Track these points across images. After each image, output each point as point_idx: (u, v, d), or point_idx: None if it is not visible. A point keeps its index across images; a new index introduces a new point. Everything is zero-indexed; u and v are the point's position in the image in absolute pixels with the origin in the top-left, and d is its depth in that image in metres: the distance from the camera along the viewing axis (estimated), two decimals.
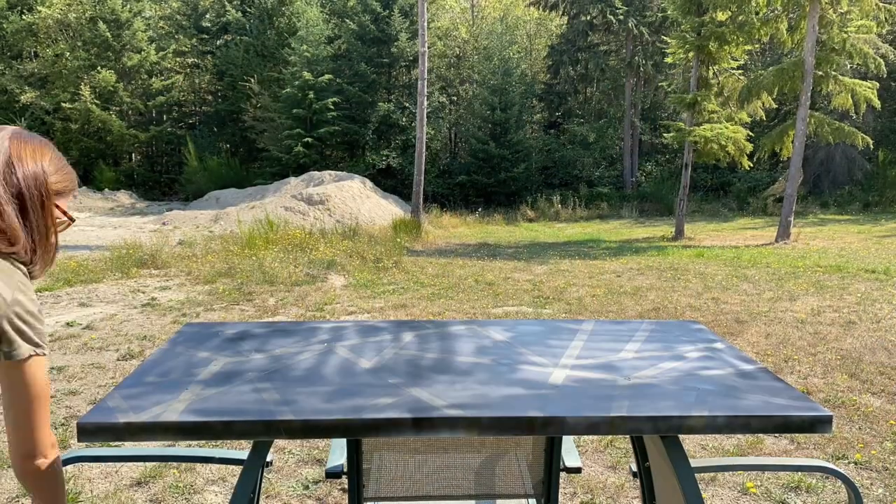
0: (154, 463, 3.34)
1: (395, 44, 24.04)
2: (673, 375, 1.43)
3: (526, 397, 1.28)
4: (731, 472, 3.30)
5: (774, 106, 16.39)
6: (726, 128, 14.68)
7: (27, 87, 23.70)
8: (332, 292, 8.18)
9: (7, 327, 1.21)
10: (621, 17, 24.19)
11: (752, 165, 15.99)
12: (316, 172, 20.47)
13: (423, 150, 15.57)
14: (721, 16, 14.56)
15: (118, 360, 5.23)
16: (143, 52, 25.11)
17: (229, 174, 23.85)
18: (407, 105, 24.26)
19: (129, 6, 25.11)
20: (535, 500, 2.01)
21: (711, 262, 11.00)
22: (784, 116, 21.44)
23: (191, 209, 19.65)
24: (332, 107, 22.75)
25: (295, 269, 9.37)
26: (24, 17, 24.21)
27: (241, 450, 1.86)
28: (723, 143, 14.58)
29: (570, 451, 1.95)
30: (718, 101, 15.35)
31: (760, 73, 15.44)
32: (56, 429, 3.83)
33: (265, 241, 11.44)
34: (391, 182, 23.17)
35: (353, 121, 23.94)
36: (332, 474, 1.83)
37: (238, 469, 3.22)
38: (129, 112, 25.70)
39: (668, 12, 17.11)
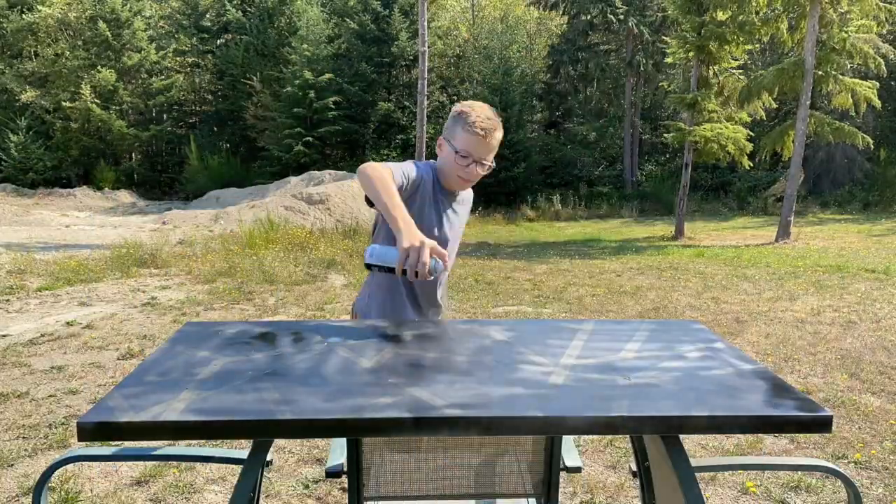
0: (154, 462, 3.34)
1: (396, 43, 24.04)
2: (673, 375, 1.43)
3: (526, 397, 1.28)
4: (731, 472, 3.31)
5: (774, 106, 16.39)
6: (726, 127, 14.68)
7: (27, 87, 23.71)
8: (333, 292, 8.18)
9: None
10: (621, 17, 24.19)
11: (752, 165, 16.00)
12: (316, 172, 20.48)
13: (424, 149, 15.57)
14: (721, 15, 14.57)
15: (118, 359, 5.23)
16: (143, 52, 25.12)
17: (229, 173, 23.85)
18: (407, 104, 24.27)
19: (129, 5, 25.11)
20: (535, 499, 2.01)
21: (711, 261, 10.99)
22: (784, 116, 21.44)
23: (191, 208, 19.66)
24: (332, 106, 22.75)
25: (295, 268, 9.37)
26: (24, 16, 24.22)
27: (241, 449, 1.86)
28: (723, 142, 14.58)
29: (570, 451, 1.95)
30: (719, 101, 15.35)
31: (760, 72, 15.44)
32: (56, 428, 3.83)
33: (265, 240, 11.44)
34: None
35: (354, 120, 23.94)
36: (332, 473, 1.83)
37: (238, 469, 3.22)
38: (130, 111, 25.70)
39: (669, 12, 17.11)
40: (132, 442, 1.62)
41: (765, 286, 8.56)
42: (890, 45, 16.06)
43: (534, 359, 1.53)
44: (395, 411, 1.21)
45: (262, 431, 1.19)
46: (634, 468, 1.80)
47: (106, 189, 22.91)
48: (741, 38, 14.51)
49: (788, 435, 3.77)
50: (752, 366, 1.52)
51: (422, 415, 1.20)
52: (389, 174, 1.93)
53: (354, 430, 1.20)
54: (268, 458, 1.53)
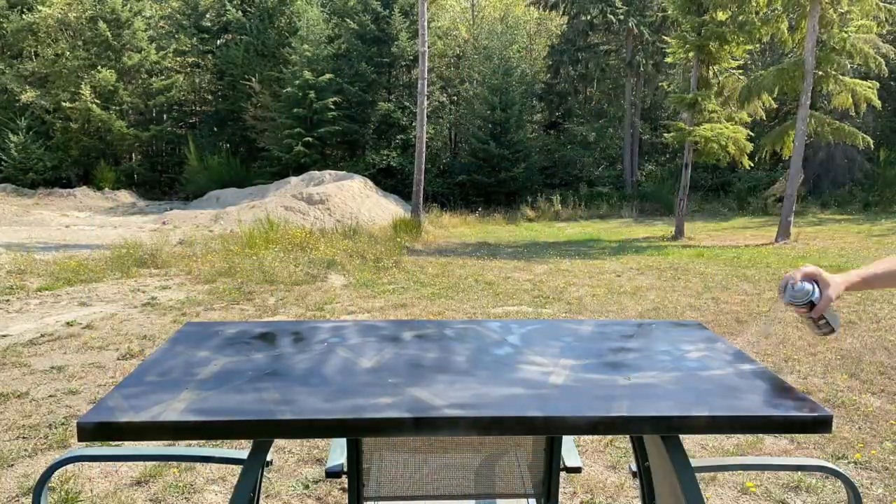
0: (154, 462, 3.34)
1: (396, 43, 24.04)
2: (673, 375, 1.43)
3: (526, 397, 1.28)
4: (731, 472, 3.30)
5: (774, 106, 16.39)
6: (726, 128, 14.68)
7: (27, 87, 23.70)
8: (333, 292, 8.18)
9: None
10: (621, 17, 24.19)
11: (752, 165, 15.99)
12: (316, 172, 20.48)
13: (423, 149, 15.57)
14: (721, 15, 14.56)
15: (118, 359, 5.23)
16: (143, 52, 25.12)
17: (230, 173, 23.85)
18: (407, 104, 24.27)
19: (129, 6, 25.11)
20: (535, 499, 2.01)
21: (711, 261, 10.99)
22: (784, 116, 21.44)
23: (191, 208, 19.66)
24: (332, 106, 22.75)
25: (295, 268, 9.37)
26: (24, 16, 24.20)
27: (241, 449, 1.86)
28: (723, 142, 14.58)
29: (570, 451, 1.95)
30: (719, 101, 15.34)
31: (761, 72, 15.44)
32: (56, 428, 3.83)
33: (265, 240, 11.45)
34: (391, 181, 23.19)
35: (354, 120, 23.93)
36: (332, 474, 1.83)
37: (238, 469, 3.22)
38: (130, 111, 25.70)
39: (669, 12, 17.11)
40: (132, 442, 1.62)
41: (765, 286, 8.56)
42: (890, 45, 16.07)
43: (534, 359, 1.53)
44: (395, 411, 1.21)
45: (262, 431, 1.19)
46: (634, 468, 1.80)
47: (106, 189, 22.90)
48: (741, 38, 14.51)
49: (788, 435, 3.77)
50: (752, 366, 1.52)
51: (422, 415, 1.20)
52: None
53: (354, 430, 1.20)
54: (268, 458, 1.53)
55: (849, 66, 14.82)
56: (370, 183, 20.05)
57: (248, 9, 26.33)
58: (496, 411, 1.21)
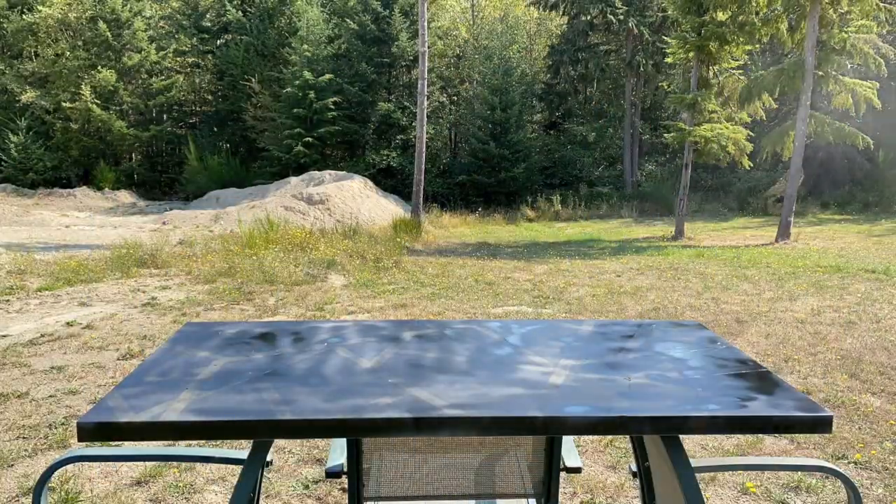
0: (154, 463, 3.34)
1: (396, 43, 24.05)
2: (673, 375, 1.43)
3: (526, 397, 1.28)
4: (731, 472, 3.30)
5: (775, 106, 16.38)
6: (726, 128, 14.68)
7: (27, 87, 23.69)
8: (332, 292, 8.18)
9: None
10: (621, 17, 24.18)
11: (752, 165, 15.99)
12: (316, 172, 20.48)
13: (424, 149, 15.57)
14: (721, 16, 14.56)
15: (118, 359, 5.22)
16: (143, 52, 25.11)
17: (229, 173, 23.84)
18: (407, 105, 24.26)
19: (129, 6, 25.11)
20: (535, 499, 2.01)
21: (711, 262, 10.99)
22: (784, 116, 21.44)
23: (191, 209, 19.65)
24: (332, 106, 22.75)
25: (295, 268, 9.37)
26: (24, 16, 24.21)
27: (241, 450, 1.86)
28: (723, 143, 14.58)
29: (570, 451, 1.95)
30: (719, 101, 15.34)
31: (761, 73, 15.44)
32: (56, 428, 3.83)
33: (265, 240, 11.44)
34: (391, 182, 23.19)
35: (354, 120, 23.94)
36: (332, 474, 1.83)
37: (238, 469, 3.22)
38: (130, 112, 25.69)
39: (669, 12, 17.11)
40: (132, 442, 1.62)
41: (765, 286, 8.56)
42: (890, 45, 16.06)
43: (534, 359, 1.53)
44: (395, 411, 1.21)
45: (262, 431, 1.19)
46: (634, 468, 1.80)
47: (106, 189, 22.89)
48: (741, 39, 14.50)
49: (788, 435, 3.77)
50: (752, 366, 1.52)
51: (422, 415, 1.20)
52: None
53: (354, 430, 1.20)
54: (268, 458, 1.53)
55: (849, 66, 14.81)
56: (370, 183, 20.04)
57: (248, 9, 26.33)
58: (496, 411, 1.21)
